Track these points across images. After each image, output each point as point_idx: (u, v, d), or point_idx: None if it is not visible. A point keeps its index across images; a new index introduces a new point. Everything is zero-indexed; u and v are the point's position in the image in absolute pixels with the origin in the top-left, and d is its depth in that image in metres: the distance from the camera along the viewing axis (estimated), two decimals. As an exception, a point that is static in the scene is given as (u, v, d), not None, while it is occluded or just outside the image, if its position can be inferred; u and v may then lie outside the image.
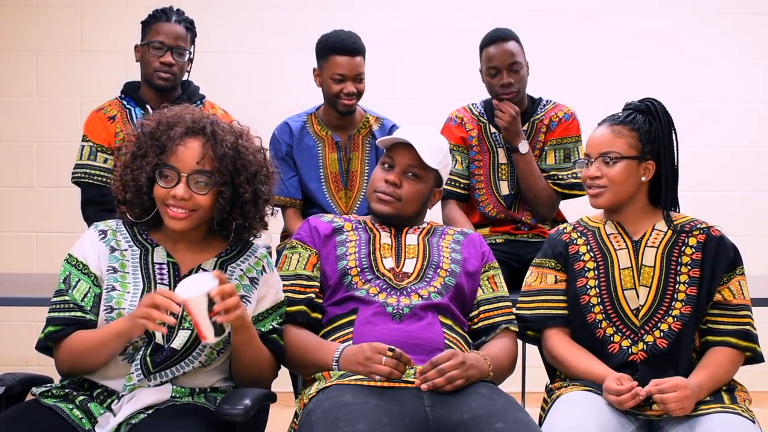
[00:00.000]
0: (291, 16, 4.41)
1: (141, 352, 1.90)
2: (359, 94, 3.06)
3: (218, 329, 1.81)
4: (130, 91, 3.10)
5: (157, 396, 1.89)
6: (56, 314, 1.94)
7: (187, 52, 3.02)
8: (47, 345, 1.95)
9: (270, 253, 2.81)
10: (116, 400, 1.89)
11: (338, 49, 3.02)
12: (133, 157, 1.96)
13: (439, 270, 2.20)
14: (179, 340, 1.91)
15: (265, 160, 2.04)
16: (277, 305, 2.09)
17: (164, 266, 1.99)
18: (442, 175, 2.32)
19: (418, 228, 2.31)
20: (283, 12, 4.43)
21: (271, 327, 2.06)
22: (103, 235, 2.00)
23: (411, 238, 2.27)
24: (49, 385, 1.97)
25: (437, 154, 2.27)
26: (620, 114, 2.22)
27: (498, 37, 3.00)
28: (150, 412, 1.86)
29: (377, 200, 2.27)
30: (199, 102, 3.13)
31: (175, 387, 1.93)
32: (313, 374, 2.08)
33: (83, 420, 1.86)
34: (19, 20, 4.38)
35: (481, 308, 2.23)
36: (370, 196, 2.31)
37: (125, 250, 1.99)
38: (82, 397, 1.90)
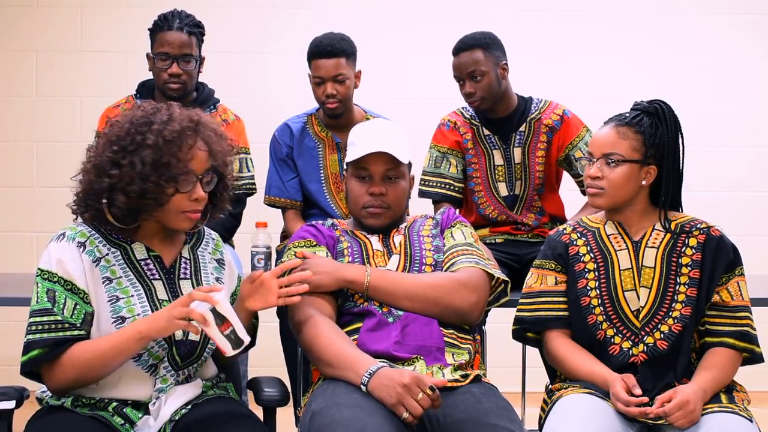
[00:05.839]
0: (291, 16, 4.41)
1: (165, 354, 1.88)
2: (342, 96, 3.02)
3: (234, 341, 1.76)
4: (144, 92, 3.09)
5: (193, 391, 1.91)
6: (44, 335, 1.81)
7: (193, 58, 2.99)
8: (32, 370, 1.84)
9: (270, 254, 2.83)
10: (152, 404, 1.87)
11: (316, 53, 3.02)
12: (154, 165, 1.82)
13: (424, 267, 2.18)
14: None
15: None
16: (239, 277, 2.11)
17: (149, 261, 1.94)
18: (411, 161, 2.31)
19: (402, 228, 2.29)
20: (284, 12, 4.42)
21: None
22: (82, 248, 1.87)
23: (398, 239, 2.26)
24: (71, 395, 1.89)
25: (406, 148, 2.26)
26: (627, 114, 2.18)
27: (459, 46, 2.97)
28: (189, 407, 1.88)
29: (368, 215, 2.23)
30: (212, 108, 3.11)
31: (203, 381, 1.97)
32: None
33: (126, 426, 1.85)
34: (19, 20, 4.38)
35: (451, 251, 2.21)
36: (358, 212, 2.25)
37: (106, 255, 1.89)
38: (115, 404, 1.87)
